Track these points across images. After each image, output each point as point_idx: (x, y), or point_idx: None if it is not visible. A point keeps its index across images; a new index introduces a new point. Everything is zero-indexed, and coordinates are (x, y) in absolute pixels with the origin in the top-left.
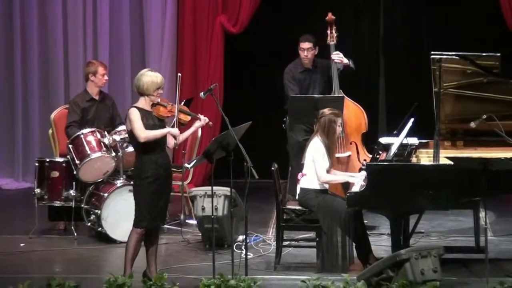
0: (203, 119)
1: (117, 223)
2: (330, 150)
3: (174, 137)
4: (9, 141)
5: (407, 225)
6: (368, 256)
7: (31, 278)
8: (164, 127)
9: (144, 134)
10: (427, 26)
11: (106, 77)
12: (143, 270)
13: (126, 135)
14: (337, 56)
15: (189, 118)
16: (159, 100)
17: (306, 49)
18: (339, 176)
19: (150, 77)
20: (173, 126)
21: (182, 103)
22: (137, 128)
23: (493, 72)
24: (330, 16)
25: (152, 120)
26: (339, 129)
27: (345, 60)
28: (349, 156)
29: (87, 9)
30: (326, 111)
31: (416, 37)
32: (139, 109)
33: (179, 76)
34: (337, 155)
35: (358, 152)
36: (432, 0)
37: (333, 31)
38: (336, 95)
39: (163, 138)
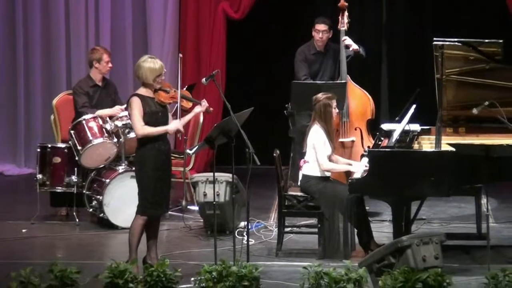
0: (204, 105)
1: (119, 209)
2: (330, 134)
3: (178, 130)
4: (11, 127)
5: (408, 211)
6: (370, 242)
7: (33, 264)
8: (166, 113)
9: (141, 130)
10: (430, 12)
11: (110, 64)
12: (143, 256)
13: (128, 121)
14: (349, 41)
15: (190, 104)
16: (161, 86)
17: (322, 31)
18: (340, 165)
19: (148, 63)
20: (175, 113)
21: (185, 88)
22: (136, 121)
23: (496, 59)
24: (342, 2)
25: (154, 106)
26: (335, 111)
27: (356, 46)
28: (353, 141)
29: None
30: (320, 96)
31: (418, 23)
32: (141, 96)
33: (181, 57)
34: (341, 139)
35: (362, 138)
36: None
37: (345, 18)
38: (339, 81)
39: (165, 124)
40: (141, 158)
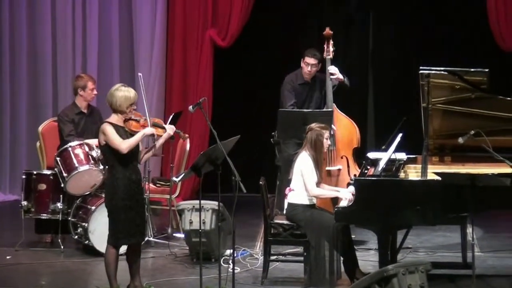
0: (169, 128)
1: (104, 236)
2: (318, 164)
3: (152, 135)
4: None
5: (394, 240)
6: (355, 271)
7: None
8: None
9: (125, 145)
10: (417, 40)
11: (95, 92)
12: (127, 285)
13: None
14: (334, 70)
15: (163, 131)
16: (132, 116)
17: (311, 65)
18: (328, 191)
19: (122, 92)
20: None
21: (171, 117)
22: (116, 140)
23: (481, 88)
24: (327, 31)
25: (125, 135)
26: (326, 142)
27: (341, 76)
28: (339, 169)
29: (76, 21)
30: (313, 125)
31: (405, 52)
32: (112, 124)
33: (140, 76)
34: (327, 168)
35: (349, 166)
36: (422, 15)
37: (330, 46)
38: (325, 109)
39: (136, 154)
40: (110, 188)
